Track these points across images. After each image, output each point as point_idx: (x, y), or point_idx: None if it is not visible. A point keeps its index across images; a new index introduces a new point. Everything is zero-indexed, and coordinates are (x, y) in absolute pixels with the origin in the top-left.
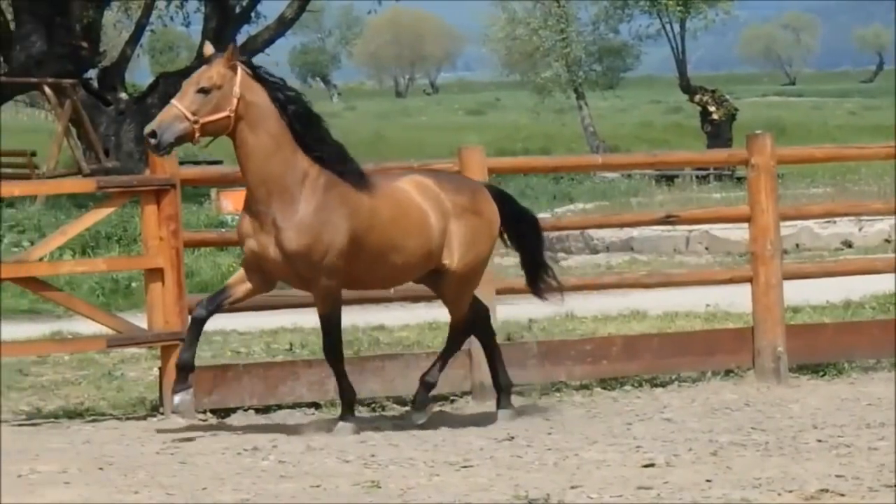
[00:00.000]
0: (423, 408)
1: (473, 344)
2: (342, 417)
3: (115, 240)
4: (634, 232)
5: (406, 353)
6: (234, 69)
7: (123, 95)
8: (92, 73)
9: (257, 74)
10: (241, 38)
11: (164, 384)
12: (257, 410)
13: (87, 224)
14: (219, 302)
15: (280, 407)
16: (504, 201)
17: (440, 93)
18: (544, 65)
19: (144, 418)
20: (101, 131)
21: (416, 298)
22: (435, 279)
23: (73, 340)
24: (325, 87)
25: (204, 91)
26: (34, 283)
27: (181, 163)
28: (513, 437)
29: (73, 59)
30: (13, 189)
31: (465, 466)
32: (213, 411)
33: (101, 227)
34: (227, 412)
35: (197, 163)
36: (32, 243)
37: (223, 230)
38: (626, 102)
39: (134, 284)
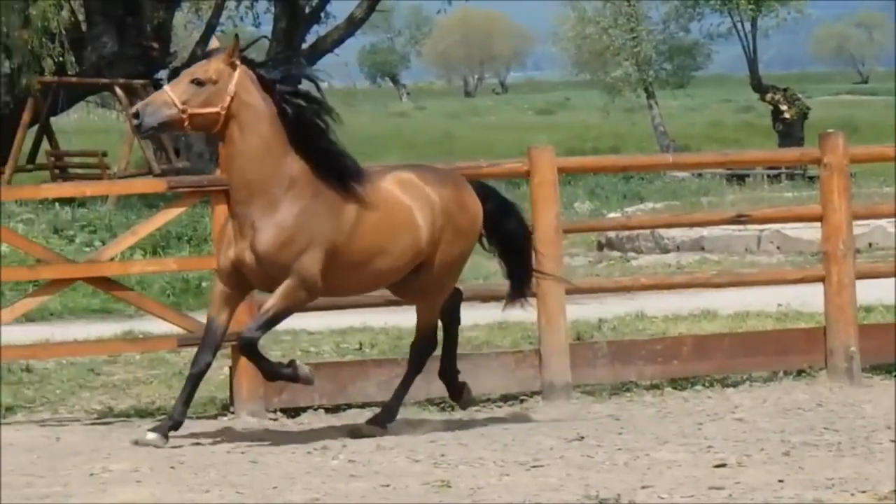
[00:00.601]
0: (380, 424)
1: (543, 343)
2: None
3: (186, 239)
4: (705, 231)
5: (475, 353)
6: (233, 67)
7: None
8: (163, 74)
9: (260, 75)
10: (310, 38)
11: (235, 384)
12: (327, 410)
13: (158, 224)
14: (213, 348)
15: (350, 406)
16: (488, 196)
17: (509, 92)
18: (614, 64)
19: (215, 417)
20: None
21: (485, 298)
22: (408, 279)
23: (144, 340)
24: (394, 86)
25: (198, 83)
26: (106, 283)
27: None
28: (583, 437)
29: (143, 60)
30: (85, 189)
31: (535, 466)
32: (283, 410)
33: (171, 227)
34: (297, 411)
35: None
36: (104, 243)
37: None
38: (697, 101)
39: (204, 284)
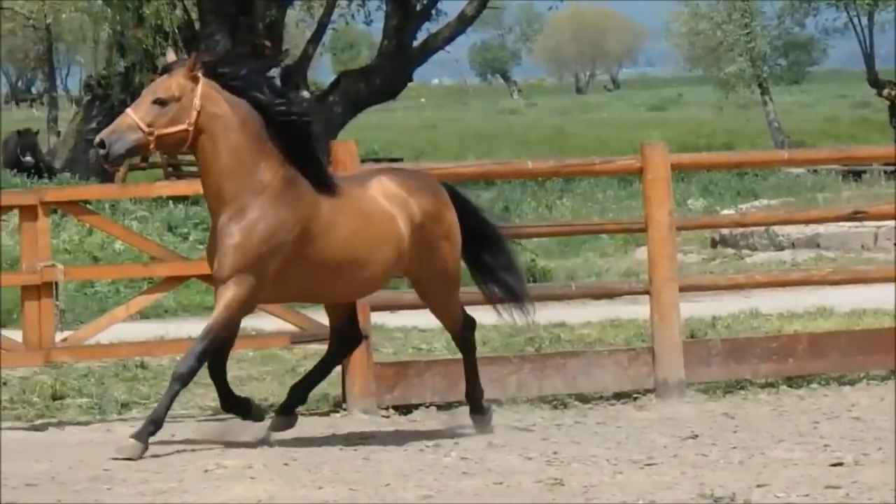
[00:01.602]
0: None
1: (657, 341)
2: (137, 436)
3: None
4: (821, 228)
5: (588, 351)
6: (195, 80)
7: (305, 94)
8: (274, 72)
9: (227, 84)
10: (421, 36)
11: (347, 381)
12: (439, 407)
13: None
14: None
15: (462, 403)
16: (462, 205)
17: (621, 89)
18: (728, 60)
19: (327, 414)
20: None
21: (597, 296)
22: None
23: (257, 337)
24: (504, 83)
25: (161, 102)
26: None
27: (362, 160)
28: (697, 436)
29: (255, 58)
30: (197, 187)
31: (648, 464)
32: (396, 407)
33: None
34: (409, 408)
35: (378, 160)
36: None
37: None
38: (812, 97)
39: None
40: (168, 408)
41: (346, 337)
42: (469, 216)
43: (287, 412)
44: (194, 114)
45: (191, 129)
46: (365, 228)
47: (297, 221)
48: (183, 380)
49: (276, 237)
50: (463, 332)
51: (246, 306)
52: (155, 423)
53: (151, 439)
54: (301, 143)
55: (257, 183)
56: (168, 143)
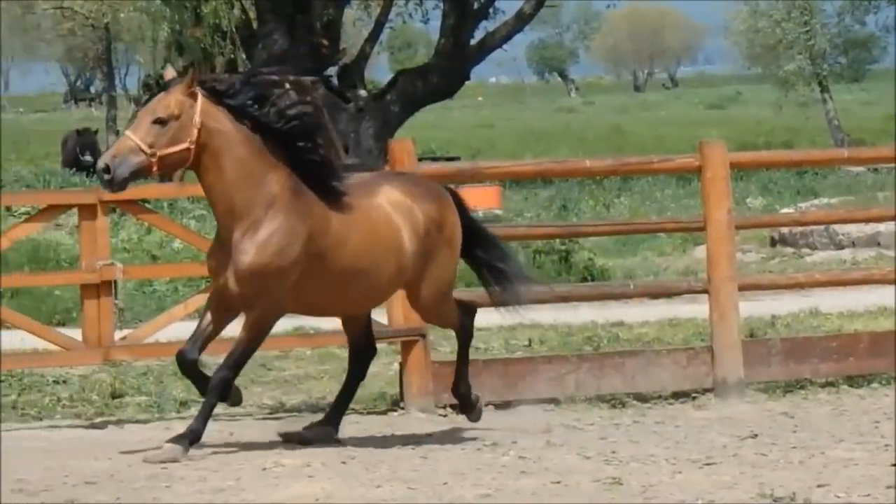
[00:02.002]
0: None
1: (715, 340)
2: (176, 439)
3: None
4: (881, 227)
5: (646, 350)
6: (193, 97)
7: (363, 92)
8: (332, 71)
9: (224, 100)
10: (478, 34)
11: (405, 380)
12: (496, 406)
13: None
14: (199, 348)
15: (519, 402)
16: (461, 209)
17: (680, 87)
18: (787, 58)
19: (385, 413)
20: (340, 128)
21: (656, 295)
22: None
23: (314, 335)
24: (562, 82)
25: (160, 122)
26: None
27: (419, 159)
28: (757, 435)
29: (313, 57)
30: None
31: (707, 464)
32: (453, 406)
33: None
34: None
35: (435, 159)
36: None
37: None
38: (873, 95)
39: None
40: (205, 419)
41: (362, 350)
42: (465, 219)
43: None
44: (195, 131)
45: (192, 147)
46: (373, 240)
47: (309, 233)
48: (216, 394)
49: (292, 250)
50: (462, 321)
51: (272, 322)
52: (194, 434)
53: (216, 438)
54: (306, 152)
55: (267, 195)
56: (170, 162)
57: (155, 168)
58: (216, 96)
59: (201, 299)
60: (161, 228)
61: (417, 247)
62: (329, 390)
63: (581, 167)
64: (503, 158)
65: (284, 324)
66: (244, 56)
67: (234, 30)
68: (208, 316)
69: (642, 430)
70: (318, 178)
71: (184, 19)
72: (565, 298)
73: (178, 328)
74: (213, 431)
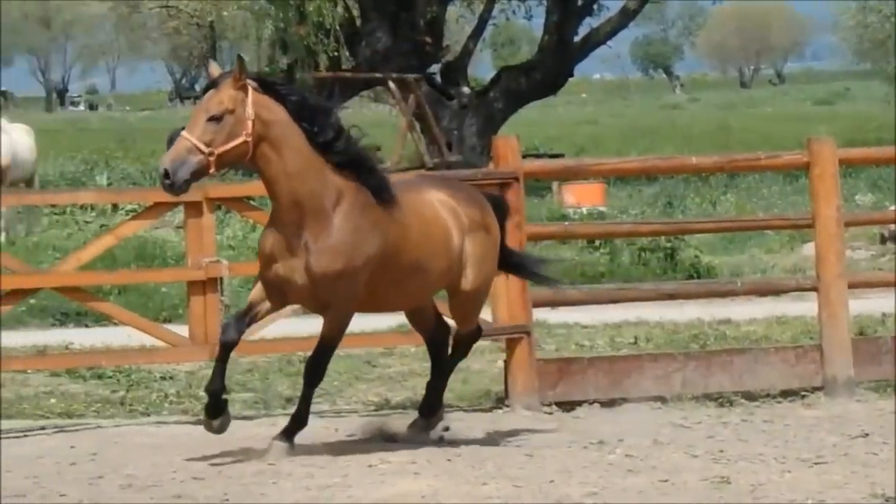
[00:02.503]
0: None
1: (825, 338)
2: (283, 436)
3: None
4: None
5: (754, 348)
6: (244, 89)
7: (466, 90)
8: (435, 68)
9: (271, 89)
10: (582, 31)
11: (509, 377)
12: (602, 404)
13: None
14: (248, 322)
15: (625, 400)
16: (501, 213)
17: (787, 83)
18: None
19: (490, 410)
20: (443, 125)
21: (764, 292)
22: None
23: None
24: (667, 78)
25: (215, 119)
26: None
27: (523, 156)
28: (867, 434)
29: (416, 55)
30: None
31: (817, 463)
32: (559, 404)
33: None
34: (572, 405)
35: (539, 156)
36: None
37: (566, 223)
38: None
39: None
40: (307, 408)
41: (438, 341)
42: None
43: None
44: (250, 124)
45: (250, 139)
46: (427, 234)
47: (377, 229)
48: (310, 385)
49: (365, 249)
50: (468, 336)
51: (349, 319)
52: (297, 421)
53: (323, 435)
54: (352, 153)
55: (332, 188)
56: (229, 159)
57: (213, 168)
58: (266, 87)
59: None
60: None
61: (462, 245)
62: None
63: (687, 164)
64: (607, 155)
65: (388, 321)
66: (347, 54)
67: (337, 28)
68: (262, 301)
69: (750, 428)
70: (367, 174)
71: (288, 17)
72: (672, 296)
73: (283, 325)
74: (320, 428)
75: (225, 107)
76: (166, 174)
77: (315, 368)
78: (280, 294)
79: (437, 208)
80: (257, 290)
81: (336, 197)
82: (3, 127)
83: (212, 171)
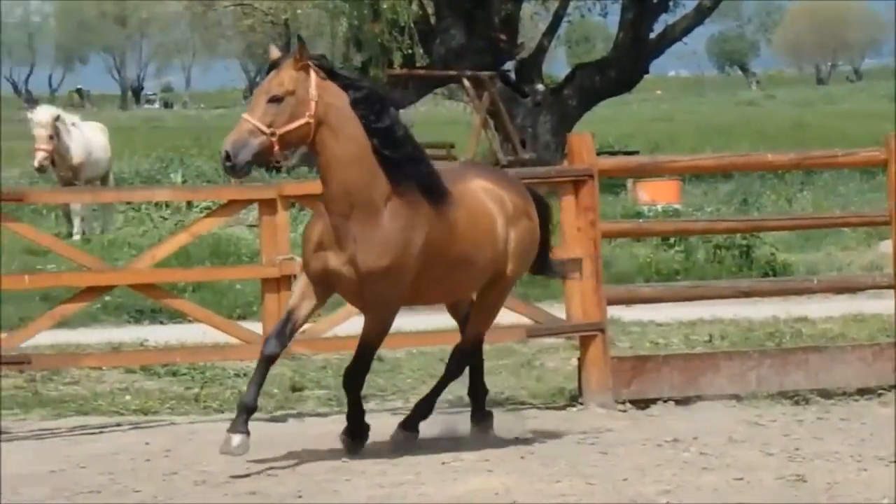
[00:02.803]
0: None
1: None
2: (347, 434)
3: None
4: None
5: (830, 346)
6: (306, 70)
7: (540, 87)
8: (509, 65)
9: (332, 73)
10: (658, 27)
11: (583, 375)
12: (677, 402)
13: None
14: (288, 333)
15: (700, 398)
16: (542, 212)
17: (864, 80)
18: None
19: (564, 408)
20: (517, 123)
21: (840, 290)
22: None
23: (492, 330)
24: (743, 75)
25: (276, 100)
26: None
27: (598, 153)
28: None
29: (491, 52)
30: None
31: (894, 462)
32: (633, 402)
33: None
34: (647, 403)
35: (613, 153)
36: None
37: (640, 221)
38: None
39: None
40: (356, 411)
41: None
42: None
43: (479, 414)
44: (313, 105)
45: (311, 121)
46: (473, 225)
47: (425, 223)
48: (352, 391)
49: (414, 244)
50: (474, 344)
51: (394, 318)
52: (354, 428)
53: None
54: (411, 146)
55: (383, 182)
56: (291, 140)
57: (277, 148)
58: (327, 71)
59: None
60: None
61: (508, 233)
62: (507, 385)
63: (763, 161)
64: (683, 152)
65: None
66: (422, 51)
67: (411, 25)
68: (300, 305)
69: (826, 426)
70: (416, 166)
71: (362, 15)
72: (747, 294)
73: (356, 322)
74: (392, 426)
75: (286, 88)
76: (227, 156)
77: (355, 374)
78: (325, 285)
79: (482, 197)
80: (296, 293)
81: (387, 192)
82: (78, 125)
83: (275, 151)
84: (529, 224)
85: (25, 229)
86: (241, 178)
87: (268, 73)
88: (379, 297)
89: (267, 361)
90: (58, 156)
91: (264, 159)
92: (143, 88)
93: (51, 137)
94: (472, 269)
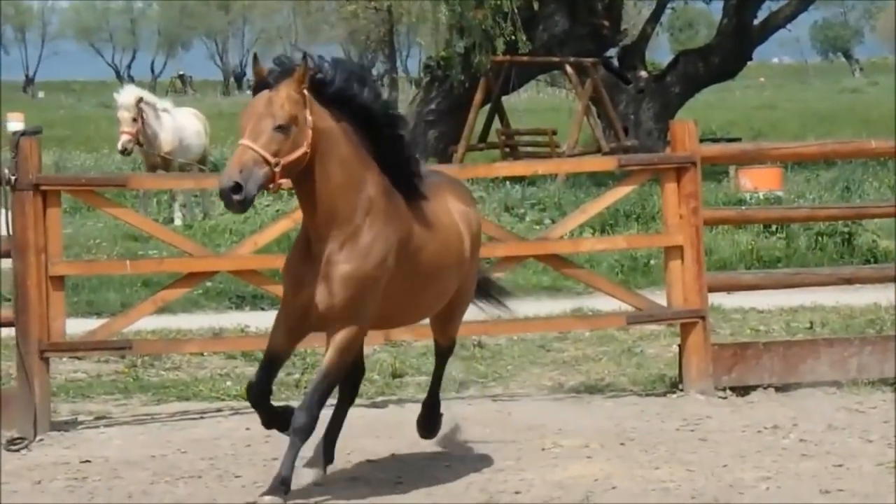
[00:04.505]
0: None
1: None
2: (272, 490)
3: (634, 217)
4: None
5: None
6: (303, 95)
7: (643, 74)
8: (612, 52)
9: (327, 91)
10: (761, 14)
11: (684, 361)
12: (777, 389)
13: (608, 202)
14: (270, 382)
15: (800, 385)
16: None
17: None
18: None
19: (664, 395)
20: (620, 110)
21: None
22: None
23: (593, 317)
24: (846, 62)
25: (283, 128)
26: (556, 260)
27: (700, 140)
28: None
29: (594, 38)
30: (536, 167)
31: None
32: (733, 389)
33: (620, 205)
34: (747, 390)
35: (716, 140)
36: (553, 221)
37: (743, 208)
38: None
39: (653, 262)
40: (293, 464)
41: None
42: None
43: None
44: (309, 133)
45: (308, 150)
46: (445, 244)
47: (399, 239)
48: (303, 434)
49: (387, 260)
50: (448, 350)
51: (359, 341)
52: (284, 482)
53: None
54: (398, 148)
55: (366, 199)
56: (290, 171)
57: (276, 180)
58: (317, 89)
59: None
60: None
61: (471, 253)
62: (608, 371)
63: (866, 148)
64: (785, 140)
65: (562, 305)
66: (525, 38)
67: (515, 11)
68: (277, 341)
69: None
70: (405, 177)
71: (466, 1)
72: (848, 280)
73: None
74: (493, 412)
75: (289, 113)
76: (237, 187)
77: (321, 396)
78: (305, 321)
79: (455, 216)
80: (277, 334)
81: (368, 207)
82: (170, 111)
83: (273, 185)
84: (476, 238)
85: (128, 215)
86: (243, 212)
87: (256, 91)
88: (352, 308)
89: (262, 407)
90: (145, 141)
91: (264, 190)
92: (245, 74)
93: (134, 120)
94: (440, 287)
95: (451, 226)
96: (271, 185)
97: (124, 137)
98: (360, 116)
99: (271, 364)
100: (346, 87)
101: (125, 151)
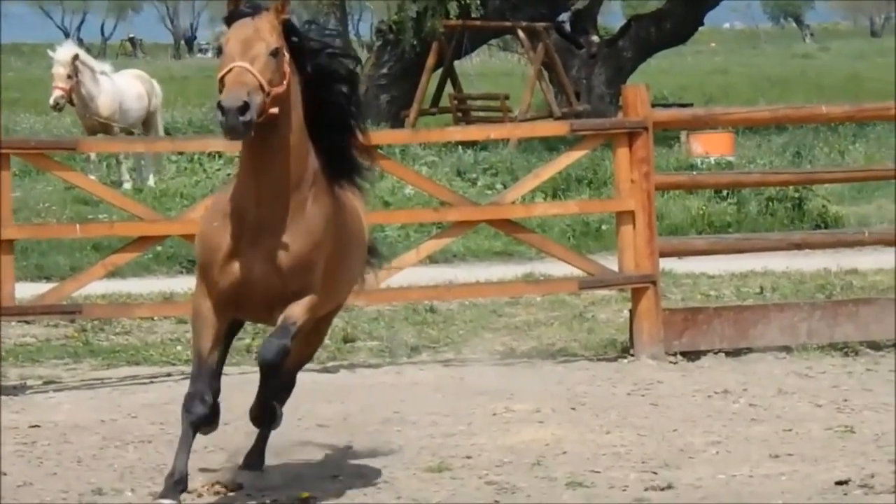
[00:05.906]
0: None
1: None
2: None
3: (586, 182)
4: None
5: (881, 298)
6: (284, 24)
7: (595, 38)
8: (564, 17)
9: (298, 34)
10: None
11: (634, 327)
12: (727, 353)
13: (560, 167)
14: (214, 386)
15: (751, 350)
16: None
17: None
18: None
19: (615, 360)
20: (572, 74)
21: (891, 242)
22: None
23: (545, 282)
24: (797, 27)
25: (274, 55)
26: (508, 225)
27: (652, 105)
28: None
29: (546, 3)
30: (489, 132)
31: None
32: (684, 354)
33: (572, 170)
34: (697, 355)
35: (668, 105)
36: (505, 186)
37: (694, 173)
38: None
39: (604, 227)
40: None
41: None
42: None
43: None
44: (287, 70)
45: (286, 89)
46: (356, 227)
47: (331, 215)
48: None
49: (327, 232)
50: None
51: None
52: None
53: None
54: (345, 116)
55: (312, 170)
56: (273, 106)
57: (267, 109)
58: (287, 33)
59: (433, 245)
60: (393, 174)
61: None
62: (559, 336)
63: (817, 113)
64: (737, 105)
65: (514, 270)
66: (477, 2)
67: None
68: (214, 338)
69: (876, 378)
70: (340, 160)
71: None
72: (798, 246)
73: (409, 274)
74: (445, 377)
75: (279, 40)
76: (246, 106)
77: (279, 391)
78: (236, 305)
79: (357, 202)
80: (206, 333)
81: (312, 178)
82: (109, 74)
83: (263, 117)
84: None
85: (78, 178)
86: (245, 137)
87: (231, 21)
88: (307, 284)
89: (195, 430)
90: (78, 101)
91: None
92: (195, 38)
93: (69, 77)
94: (348, 273)
95: (355, 210)
96: (260, 118)
97: (57, 93)
98: (317, 78)
99: (211, 373)
100: (317, 39)
101: (56, 106)
